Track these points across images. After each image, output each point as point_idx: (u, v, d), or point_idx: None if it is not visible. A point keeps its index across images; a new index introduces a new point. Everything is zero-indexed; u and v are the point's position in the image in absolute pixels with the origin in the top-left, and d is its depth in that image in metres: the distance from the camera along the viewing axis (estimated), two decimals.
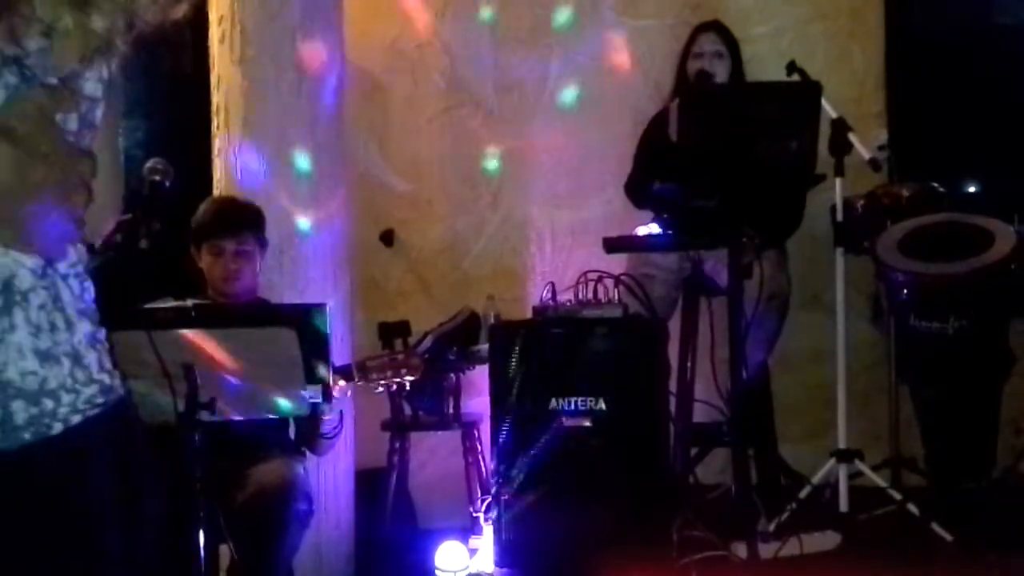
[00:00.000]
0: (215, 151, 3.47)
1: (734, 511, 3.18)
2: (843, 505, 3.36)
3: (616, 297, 3.26)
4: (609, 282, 3.26)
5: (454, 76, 4.48)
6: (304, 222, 3.41)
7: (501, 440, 3.13)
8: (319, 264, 3.45)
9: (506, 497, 3.11)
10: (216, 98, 3.46)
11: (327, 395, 2.43)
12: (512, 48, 4.46)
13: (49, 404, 1.15)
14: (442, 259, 4.49)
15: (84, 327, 1.21)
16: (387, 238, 4.46)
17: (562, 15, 4.43)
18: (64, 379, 1.18)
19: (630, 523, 3.04)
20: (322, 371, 2.34)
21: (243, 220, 2.96)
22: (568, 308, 3.22)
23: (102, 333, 1.27)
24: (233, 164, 3.39)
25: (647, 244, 3.56)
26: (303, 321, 2.23)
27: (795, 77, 3.58)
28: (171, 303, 2.81)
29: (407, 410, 3.77)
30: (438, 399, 3.72)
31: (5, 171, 1.07)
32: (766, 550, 3.08)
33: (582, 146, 4.37)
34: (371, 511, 3.69)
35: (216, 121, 3.46)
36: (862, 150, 3.49)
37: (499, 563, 3.15)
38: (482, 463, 3.78)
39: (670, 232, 3.46)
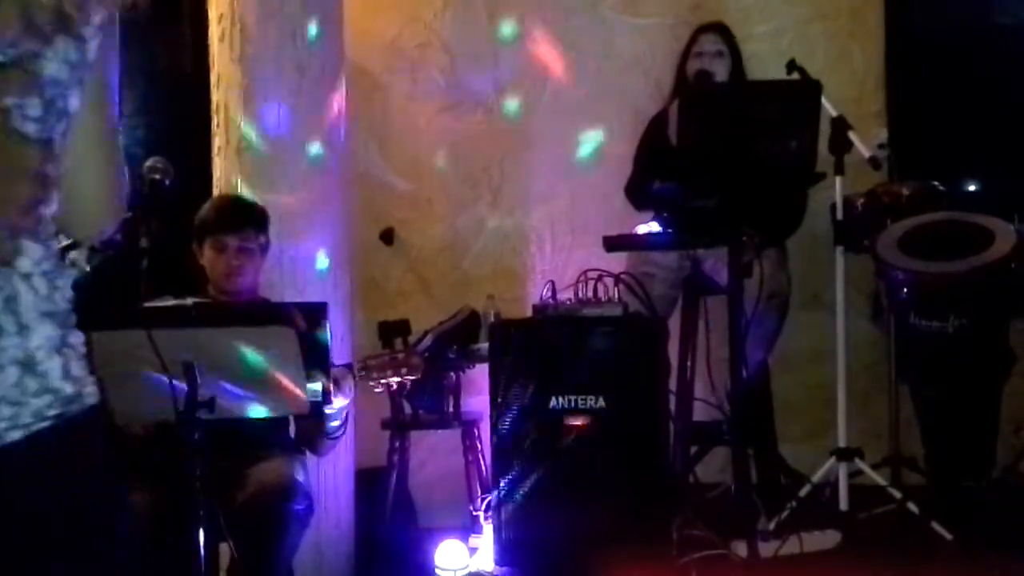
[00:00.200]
0: (215, 150, 3.47)
1: (734, 510, 3.18)
2: (843, 504, 3.36)
3: (616, 296, 3.26)
4: (609, 281, 3.26)
5: (454, 76, 4.48)
6: (304, 221, 3.41)
7: (501, 439, 3.13)
8: (319, 263, 3.45)
9: (506, 496, 3.11)
10: (216, 97, 3.46)
11: (327, 394, 2.43)
12: (512, 47, 4.46)
13: None
14: (442, 258, 4.49)
15: (46, 331, 1.11)
16: (387, 237, 4.46)
17: (562, 13, 4.43)
18: (7, 390, 1.07)
19: (630, 522, 3.04)
20: (323, 370, 2.34)
21: (247, 217, 2.96)
22: (568, 307, 3.22)
23: (76, 337, 1.16)
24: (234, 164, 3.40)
25: (647, 243, 3.56)
26: (303, 320, 2.23)
27: (795, 76, 3.58)
28: (171, 302, 2.81)
29: (407, 409, 3.77)
30: (438, 398, 3.72)
31: None
32: (766, 549, 3.08)
33: (582, 145, 4.37)
34: (371, 510, 3.69)
35: (216, 120, 3.46)
36: (862, 149, 3.49)
37: (499, 562, 3.15)
38: (482, 462, 3.78)
39: (670, 231, 3.46)
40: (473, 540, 3.36)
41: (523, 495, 3.11)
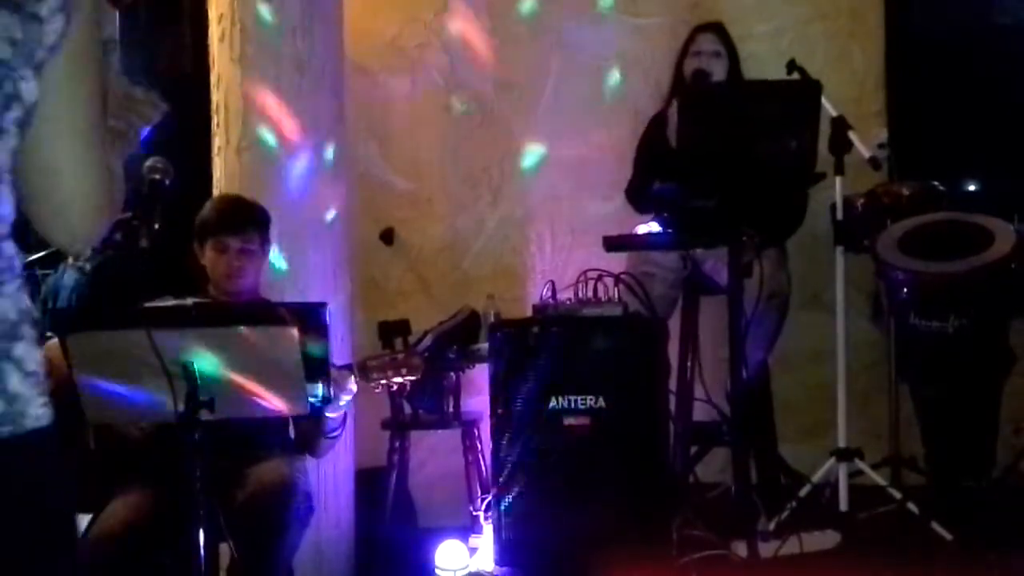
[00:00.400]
0: (215, 150, 3.47)
1: (734, 510, 3.18)
2: (843, 504, 3.36)
3: (616, 296, 3.26)
4: (609, 281, 3.26)
5: (454, 76, 4.48)
6: (304, 221, 3.41)
7: (501, 439, 3.13)
8: (319, 263, 3.45)
9: (506, 496, 3.11)
10: (216, 97, 3.46)
11: (327, 394, 2.43)
12: (512, 47, 4.46)
13: None
14: (442, 258, 4.49)
15: None
16: (387, 237, 4.46)
17: (562, 13, 4.43)
18: None
19: (630, 522, 3.04)
20: (323, 370, 2.34)
21: (249, 218, 2.95)
22: (568, 307, 3.22)
23: (24, 351, 1.06)
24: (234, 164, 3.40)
25: (647, 243, 3.56)
26: (303, 320, 2.23)
27: (795, 76, 3.58)
28: (171, 302, 2.81)
29: (407, 409, 3.77)
30: (438, 398, 3.72)
31: None
32: (766, 549, 3.09)
33: (582, 145, 4.37)
34: (371, 511, 3.69)
35: (216, 119, 3.46)
36: (862, 149, 3.49)
37: (499, 562, 3.15)
38: (482, 462, 3.78)
39: (670, 231, 3.46)
40: (473, 540, 3.36)
41: (523, 495, 3.11)
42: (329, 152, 3.50)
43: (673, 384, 3.44)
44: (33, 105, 1.09)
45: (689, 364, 3.59)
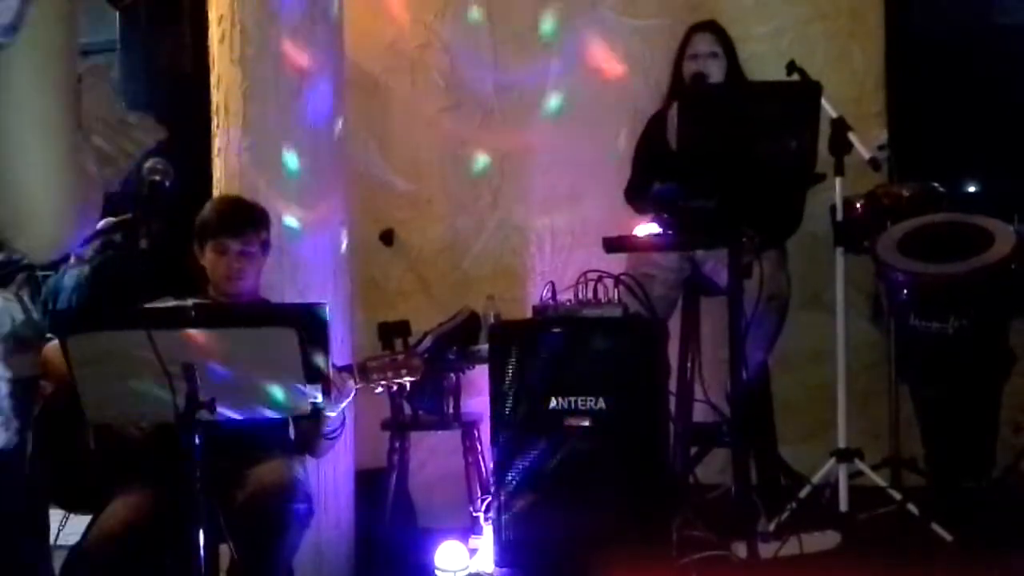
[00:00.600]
0: (215, 151, 3.47)
1: (734, 511, 3.18)
2: (843, 505, 3.36)
3: (616, 297, 3.26)
4: (609, 282, 3.26)
5: (454, 76, 4.48)
6: (304, 222, 3.41)
7: (501, 440, 3.13)
8: (319, 264, 3.45)
9: (506, 497, 3.11)
10: (216, 98, 3.46)
11: (327, 395, 2.43)
12: (512, 48, 4.46)
13: None
14: (442, 259, 4.49)
15: None
16: (387, 238, 4.46)
17: (561, 15, 4.43)
18: None
19: (630, 523, 3.03)
20: (323, 371, 2.34)
21: (248, 220, 2.96)
22: (568, 308, 3.22)
23: None
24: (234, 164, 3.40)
25: (647, 244, 3.56)
26: (303, 321, 2.23)
27: (795, 77, 3.58)
28: (171, 303, 2.82)
29: (407, 410, 3.77)
30: (438, 399, 3.72)
31: None
32: (766, 550, 3.08)
33: (581, 146, 4.37)
34: (371, 511, 3.69)
35: (216, 121, 3.46)
36: (862, 150, 3.48)
37: (499, 563, 3.15)
38: (482, 463, 3.78)
39: (670, 232, 3.46)
40: (473, 541, 3.36)
41: (523, 496, 3.11)
42: (329, 153, 3.50)
43: (673, 385, 3.44)
44: None
45: (689, 365, 3.59)
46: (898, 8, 4.28)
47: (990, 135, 4.13)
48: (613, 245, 3.41)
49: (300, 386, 2.26)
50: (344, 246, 3.59)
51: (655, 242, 3.52)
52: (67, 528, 2.70)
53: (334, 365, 2.51)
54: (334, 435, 2.86)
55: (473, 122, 4.48)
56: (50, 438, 2.72)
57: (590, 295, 3.22)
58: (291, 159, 3.39)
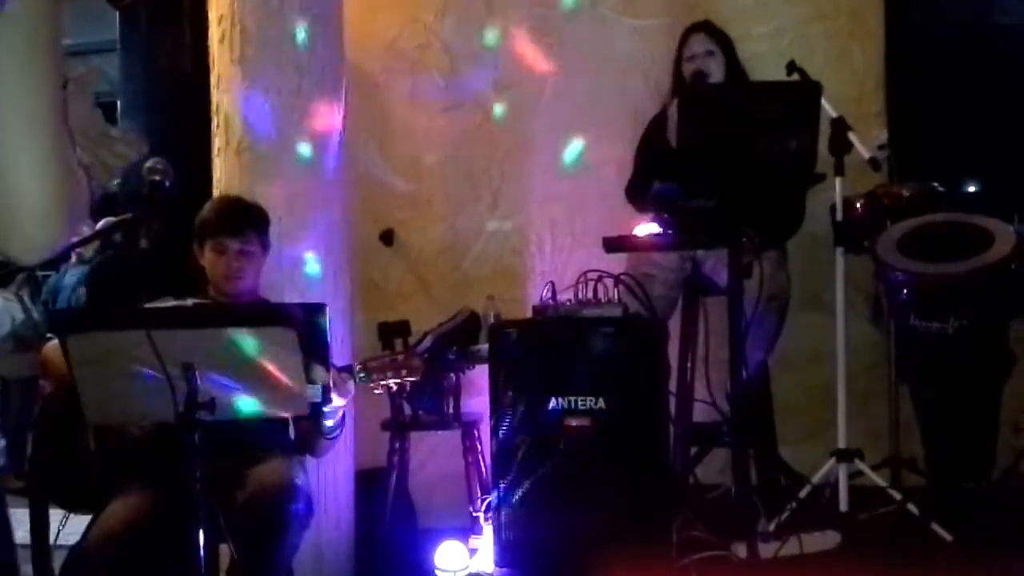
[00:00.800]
0: (215, 151, 3.47)
1: (734, 511, 3.18)
2: (843, 505, 3.36)
3: (616, 297, 3.26)
4: (609, 282, 3.26)
5: (454, 76, 4.48)
6: (304, 222, 3.41)
7: (501, 440, 3.13)
8: (319, 264, 3.45)
9: (506, 497, 3.11)
10: (216, 98, 3.46)
11: (327, 395, 2.43)
12: (511, 48, 4.46)
13: None
14: (442, 259, 4.49)
15: None
16: (387, 238, 4.46)
17: (561, 15, 4.43)
18: None
19: (630, 523, 3.03)
20: (322, 371, 2.34)
21: (248, 220, 2.96)
22: (568, 308, 3.22)
23: None
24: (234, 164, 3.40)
25: (647, 244, 3.56)
26: (303, 321, 2.23)
27: (795, 77, 3.58)
28: (171, 303, 2.82)
29: (407, 410, 3.77)
30: (438, 399, 3.72)
31: None
32: (766, 550, 3.08)
33: (581, 146, 4.37)
34: (371, 511, 3.69)
35: (216, 120, 3.46)
36: (862, 150, 3.48)
37: (499, 563, 3.15)
38: (482, 463, 3.78)
39: (670, 232, 3.46)
40: (473, 541, 3.36)
41: (523, 496, 3.11)
42: (329, 153, 3.50)
43: (673, 385, 3.44)
44: None
45: (689, 365, 3.59)
46: (898, 8, 4.28)
47: (990, 135, 4.13)
48: (613, 245, 3.41)
49: (300, 386, 2.26)
50: (344, 246, 3.59)
51: (655, 242, 3.52)
52: (67, 528, 2.71)
53: (334, 365, 2.51)
54: (334, 435, 2.86)
55: (473, 122, 4.48)
56: (50, 438, 2.73)
57: (590, 295, 3.22)
58: (291, 160, 3.39)
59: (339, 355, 2.98)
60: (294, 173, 3.41)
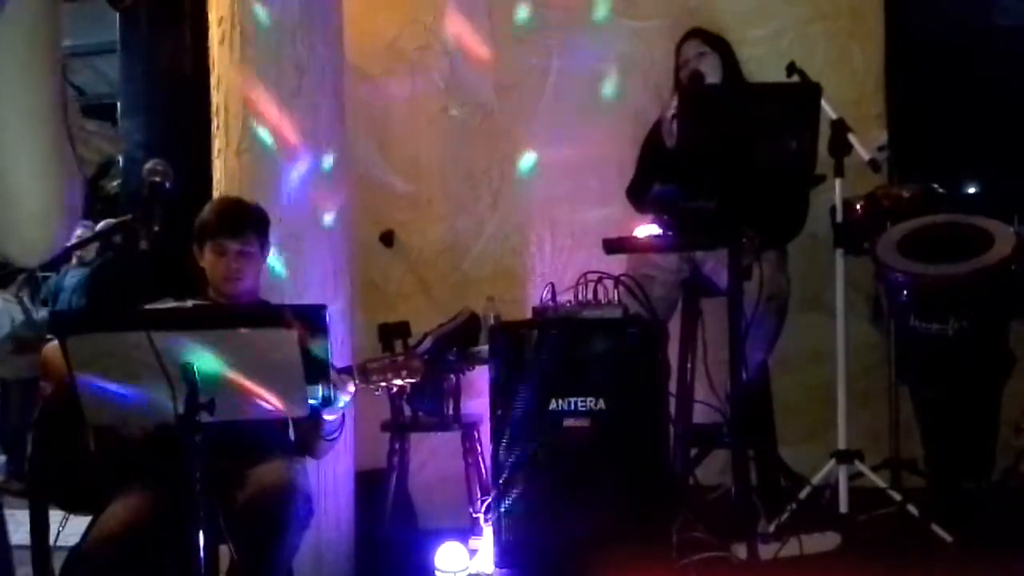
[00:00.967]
0: (215, 152, 3.47)
1: (734, 512, 3.18)
2: (843, 506, 3.36)
3: (616, 298, 3.26)
4: (609, 283, 3.26)
5: (454, 76, 4.49)
6: (304, 223, 3.41)
7: (501, 441, 3.13)
8: (319, 265, 3.45)
9: (506, 498, 3.11)
10: (216, 98, 3.47)
11: (327, 396, 2.43)
12: (512, 48, 4.46)
13: None
14: (442, 260, 4.50)
15: None
16: (387, 239, 4.47)
17: (561, 16, 4.43)
18: None
19: (630, 523, 3.03)
20: (322, 372, 2.34)
21: (247, 221, 2.95)
22: (568, 309, 3.22)
23: None
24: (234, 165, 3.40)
25: (647, 245, 3.56)
26: (303, 322, 2.23)
27: (795, 78, 3.59)
28: (171, 304, 2.82)
29: (407, 411, 3.77)
30: (438, 400, 3.72)
31: None
32: (766, 551, 3.08)
33: (581, 147, 4.37)
34: (371, 511, 3.70)
35: (216, 121, 3.46)
36: (862, 151, 3.49)
37: (499, 563, 3.15)
38: (482, 464, 3.78)
39: (670, 233, 3.46)
40: (473, 542, 3.36)
41: (523, 497, 3.11)
42: (329, 154, 3.50)
43: (673, 386, 3.44)
44: None
45: (689, 366, 3.59)
46: (898, 8, 4.28)
47: (990, 135, 4.13)
48: (613, 246, 3.41)
49: (300, 387, 2.26)
50: (344, 247, 3.59)
51: (655, 243, 3.53)
52: (67, 529, 2.71)
53: (334, 367, 2.51)
54: (333, 436, 2.86)
55: (473, 123, 4.48)
56: (50, 439, 2.72)
57: (590, 296, 3.22)
58: (291, 161, 3.39)
59: (339, 356, 2.98)
60: (294, 175, 3.41)
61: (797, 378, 4.09)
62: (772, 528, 3.29)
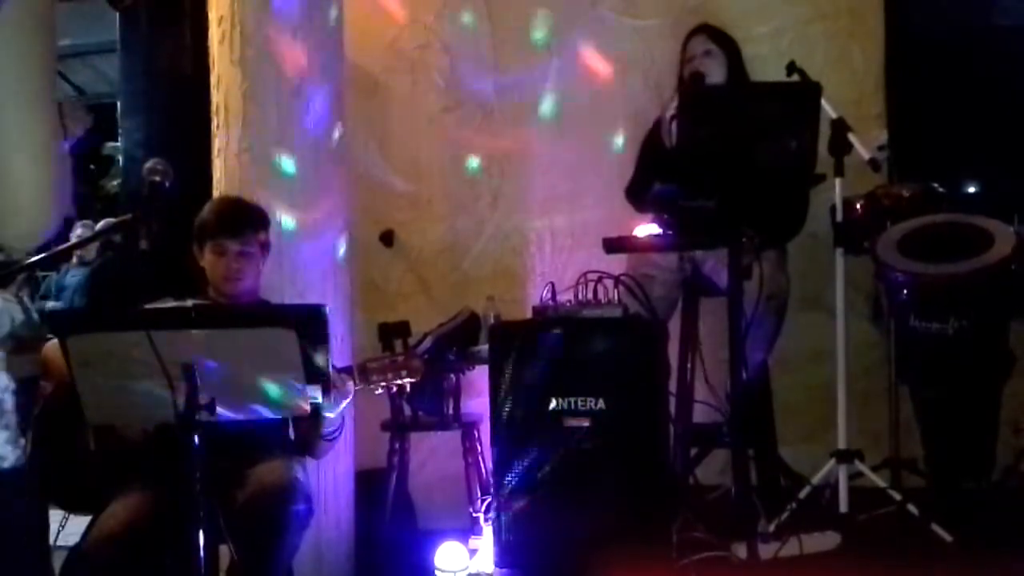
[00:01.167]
0: (215, 151, 3.47)
1: (734, 512, 3.18)
2: (843, 506, 3.36)
3: (616, 298, 3.26)
4: (609, 283, 3.26)
5: (454, 76, 4.49)
6: (304, 223, 3.41)
7: (501, 440, 3.13)
8: (319, 265, 3.45)
9: (506, 497, 3.11)
10: (216, 98, 3.46)
11: (327, 396, 2.43)
12: (511, 49, 4.46)
13: None
14: (442, 260, 4.50)
15: None
16: (387, 239, 4.47)
17: (561, 15, 4.43)
18: None
19: (630, 523, 3.03)
20: (322, 372, 2.34)
21: (247, 221, 2.95)
22: (568, 308, 3.22)
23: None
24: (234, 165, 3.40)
25: (647, 245, 3.56)
26: (302, 322, 2.23)
27: (795, 78, 3.59)
28: (171, 303, 2.82)
29: (407, 411, 3.77)
30: (438, 400, 3.72)
31: None
32: (766, 550, 3.08)
33: (581, 146, 4.37)
34: (371, 511, 3.70)
35: (216, 121, 3.46)
36: (862, 150, 3.49)
37: (499, 563, 3.15)
38: (482, 463, 3.78)
39: (670, 232, 3.46)
40: (473, 542, 3.36)
41: (523, 497, 3.11)
42: (329, 154, 3.50)
43: (673, 386, 3.44)
44: None
45: (689, 366, 3.59)
46: (898, 8, 4.28)
47: (990, 135, 4.13)
48: (613, 246, 3.41)
49: (300, 387, 2.26)
50: (344, 247, 3.59)
51: (655, 242, 3.53)
52: (67, 528, 2.71)
53: (334, 366, 2.51)
54: (333, 436, 2.86)
55: (473, 123, 4.48)
56: (50, 438, 2.72)
57: (590, 296, 3.22)
58: (290, 161, 3.39)
59: (339, 356, 2.98)
60: (294, 174, 3.40)
61: (797, 378, 4.09)
62: (772, 528, 3.29)
